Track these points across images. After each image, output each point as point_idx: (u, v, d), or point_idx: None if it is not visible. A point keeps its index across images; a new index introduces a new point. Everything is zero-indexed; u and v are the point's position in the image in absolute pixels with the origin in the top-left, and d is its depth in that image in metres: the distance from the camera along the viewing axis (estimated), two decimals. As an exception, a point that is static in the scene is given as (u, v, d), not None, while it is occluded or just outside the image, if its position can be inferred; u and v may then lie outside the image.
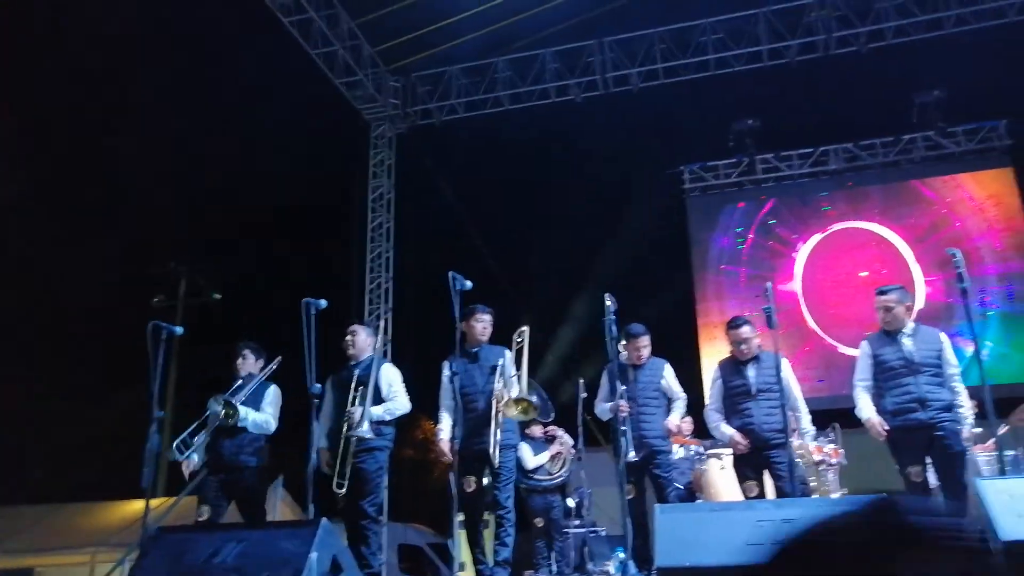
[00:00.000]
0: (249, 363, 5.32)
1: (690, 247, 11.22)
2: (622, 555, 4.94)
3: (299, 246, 10.18)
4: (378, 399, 4.95)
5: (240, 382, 5.22)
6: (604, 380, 5.34)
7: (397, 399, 5.09)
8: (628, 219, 10.23)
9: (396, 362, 5.50)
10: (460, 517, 7.20)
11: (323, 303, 4.42)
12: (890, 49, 9.98)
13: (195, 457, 5.00)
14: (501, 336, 5.33)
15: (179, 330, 4.94)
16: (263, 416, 5.17)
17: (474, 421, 4.94)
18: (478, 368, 5.07)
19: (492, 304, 5.54)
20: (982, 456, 5.82)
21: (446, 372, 5.04)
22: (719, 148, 11.30)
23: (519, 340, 5.30)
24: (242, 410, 5.05)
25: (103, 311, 13.97)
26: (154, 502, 6.38)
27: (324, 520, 3.45)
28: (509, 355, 5.20)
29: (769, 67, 10.31)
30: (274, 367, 5.35)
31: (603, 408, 5.27)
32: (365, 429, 4.78)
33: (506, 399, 4.88)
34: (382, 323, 10.94)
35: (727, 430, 5.05)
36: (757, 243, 11.04)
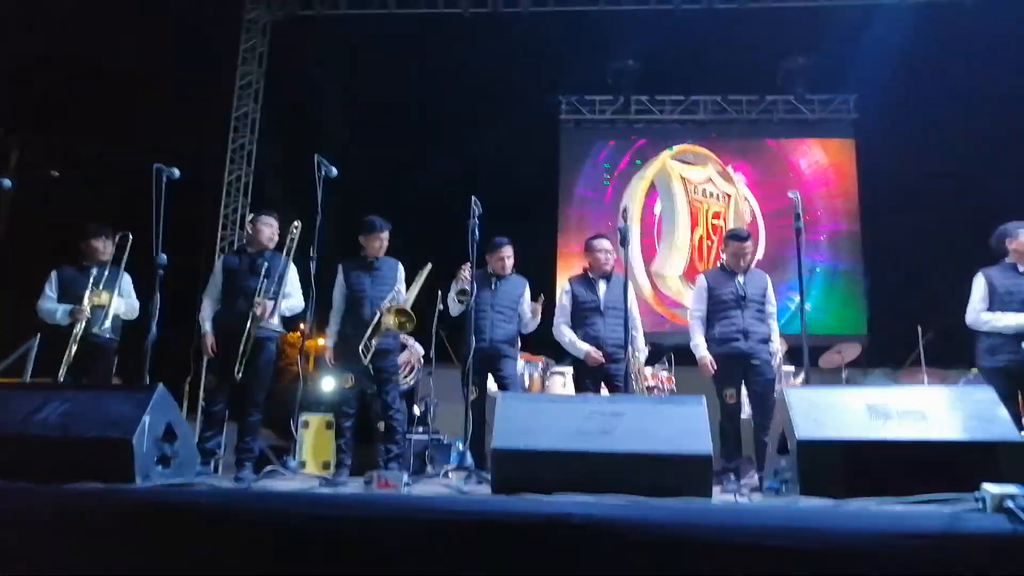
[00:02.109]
0: (108, 248, 5.31)
1: (558, 177, 11.45)
2: (460, 446, 5.16)
3: (155, 129, 9.45)
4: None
5: (94, 274, 5.20)
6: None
7: (296, 297, 5.27)
8: (501, 141, 10.21)
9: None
10: (303, 417, 7.28)
11: (176, 172, 4.21)
12: (767, 11, 10.45)
13: None
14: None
15: (7, 183, 4.57)
16: (130, 304, 5.38)
17: (361, 325, 5.19)
18: (370, 277, 5.30)
19: (358, 209, 5.58)
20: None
21: (339, 278, 5.35)
22: (597, 84, 11.47)
23: (420, 273, 5.51)
24: (115, 304, 5.21)
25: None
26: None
27: (160, 386, 3.36)
28: (402, 270, 5.46)
29: (654, 11, 10.54)
30: (128, 245, 5.27)
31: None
32: (276, 323, 5.04)
33: (388, 307, 5.06)
34: (240, 217, 10.59)
35: (583, 345, 5.43)
36: (621, 181, 11.42)
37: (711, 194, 11.39)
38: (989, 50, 9.44)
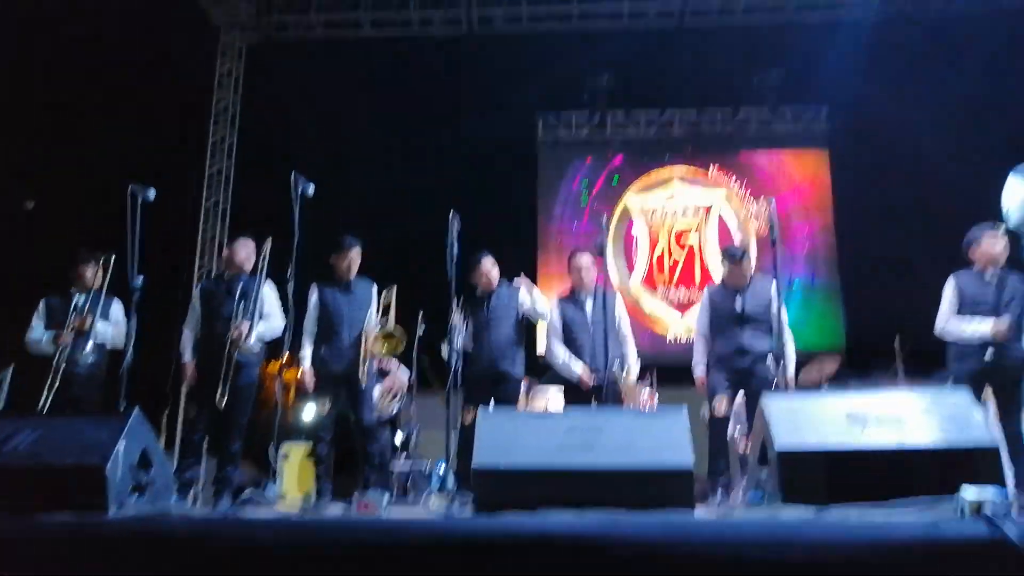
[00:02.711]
0: (97, 274, 5.26)
1: (537, 195, 11.49)
2: (442, 470, 5.11)
3: (132, 155, 9.38)
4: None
5: (78, 301, 5.14)
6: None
7: (274, 318, 5.16)
8: (478, 161, 10.26)
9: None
10: (284, 449, 7.20)
11: (151, 193, 4.17)
12: (737, 27, 10.62)
13: None
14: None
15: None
16: (117, 331, 5.24)
17: (337, 347, 5.13)
18: (346, 298, 5.24)
19: (338, 231, 5.58)
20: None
21: (313, 298, 5.27)
22: (573, 101, 11.54)
23: (387, 299, 5.45)
24: (100, 327, 5.17)
25: None
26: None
27: (137, 410, 3.30)
28: (376, 289, 5.41)
29: (628, 27, 10.68)
30: (109, 268, 5.22)
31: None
32: (252, 343, 4.95)
33: (375, 334, 5.03)
34: (218, 244, 10.51)
35: (577, 368, 5.33)
36: (600, 198, 11.47)
37: (674, 212, 11.44)
38: (950, 62, 9.64)
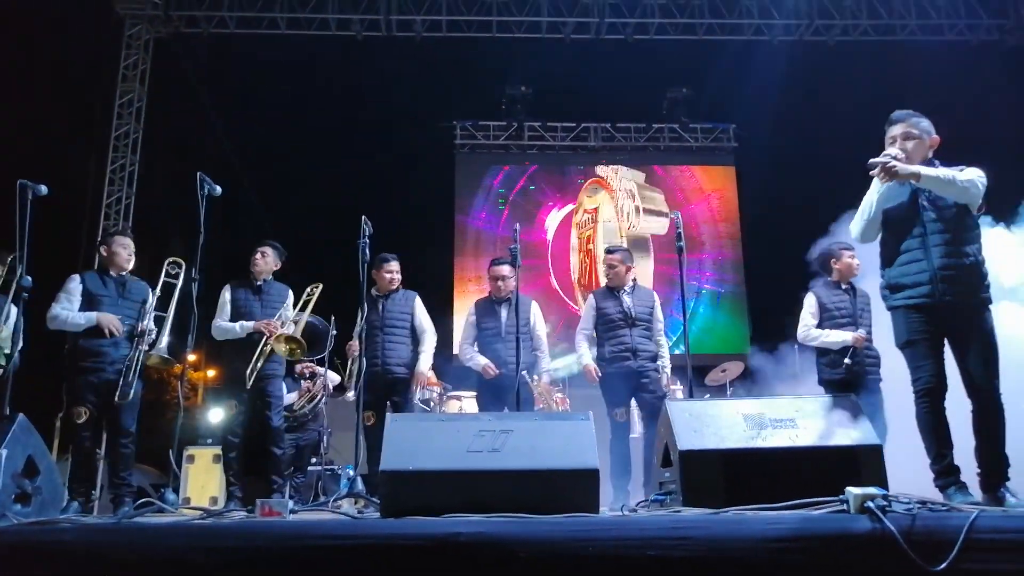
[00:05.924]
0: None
1: (454, 202, 11.50)
2: (351, 472, 5.03)
3: (31, 149, 8.87)
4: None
5: None
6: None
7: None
8: (396, 166, 10.20)
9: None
10: (188, 451, 6.96)
11: (43, 188, 3.96)
12: (652, 43, 10.91)
13: None
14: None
15: None
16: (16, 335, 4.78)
17: (246, 349, 5.02)
18: (259, 301, 5.14)
19: (245, 230, 5.45)
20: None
21: (225, 295, 5.18)
22: (491, 110, 11.65)
23: (309, 295, 5.41)
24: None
25: None
26: None
27: (21, 416, 3.12)
28: (292, 297, 5.31)
29: (546, 39, 10.82)
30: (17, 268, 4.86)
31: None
32: (163, 347, 4.70)
33: (278, 334, 4.92)
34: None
35: (480, 360, 5.48)
36: (515, 206, 11.60)
37: (588, 222, 11.71)
38: (851, 81, 10.19)
